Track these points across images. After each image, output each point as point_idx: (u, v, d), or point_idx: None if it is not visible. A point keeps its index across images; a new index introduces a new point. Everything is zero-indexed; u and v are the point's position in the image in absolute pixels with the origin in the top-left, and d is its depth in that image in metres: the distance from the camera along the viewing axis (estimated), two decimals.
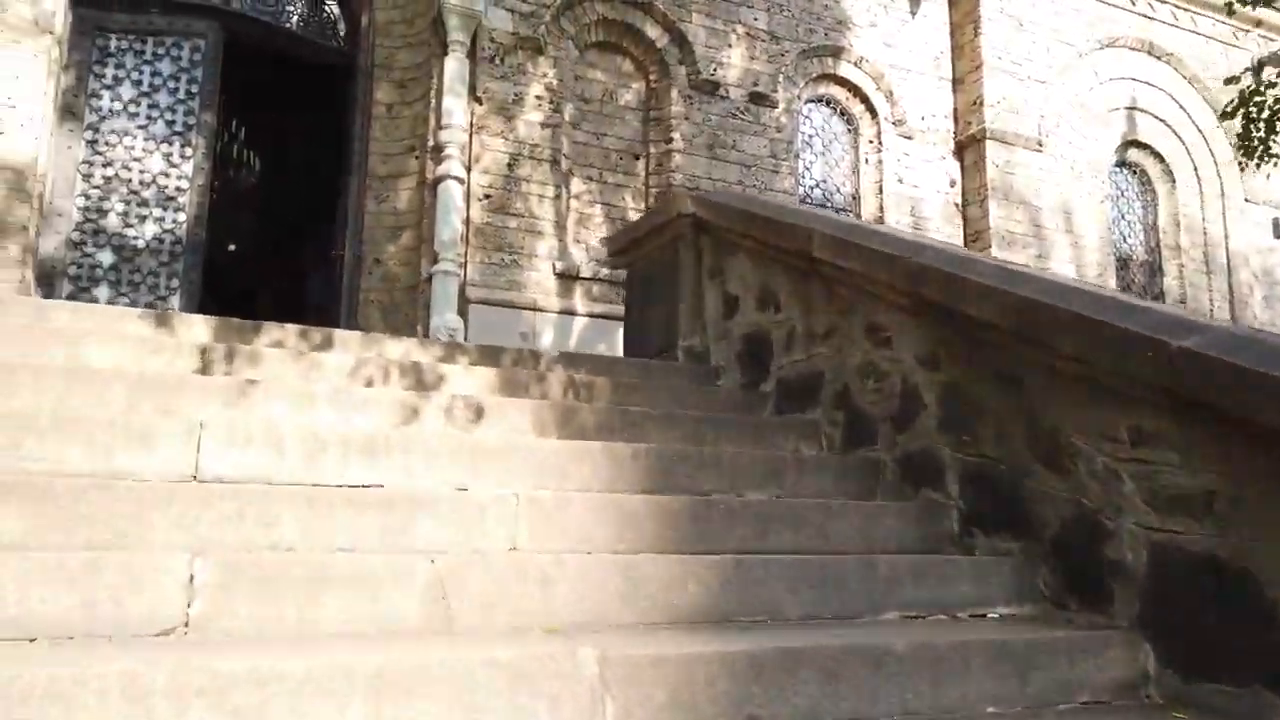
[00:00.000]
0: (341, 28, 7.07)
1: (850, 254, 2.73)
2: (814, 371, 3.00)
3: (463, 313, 6.22)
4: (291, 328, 2.82)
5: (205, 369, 2.37)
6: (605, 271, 6.74)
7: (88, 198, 6.09)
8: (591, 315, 6.76)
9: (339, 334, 2.91)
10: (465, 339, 6.13)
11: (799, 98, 7.99)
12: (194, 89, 6.28)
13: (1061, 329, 2.11)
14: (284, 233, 9.29)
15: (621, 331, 6.85)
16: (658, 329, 3.73)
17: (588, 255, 6.85)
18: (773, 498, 2.47)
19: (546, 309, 6.61)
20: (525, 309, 6.52)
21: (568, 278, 6.69)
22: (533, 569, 1.68)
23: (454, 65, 6.25)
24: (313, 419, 2.22)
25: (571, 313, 6.71)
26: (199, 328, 2.68)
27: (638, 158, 7.23)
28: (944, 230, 8.48)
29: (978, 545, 2.36)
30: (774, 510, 2.23)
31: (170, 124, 6.24)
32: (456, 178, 6.17)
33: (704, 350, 3.55)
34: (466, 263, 6.32)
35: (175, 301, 6.09)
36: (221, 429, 1.94)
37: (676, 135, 7.24)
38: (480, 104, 6.48)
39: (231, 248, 9.44)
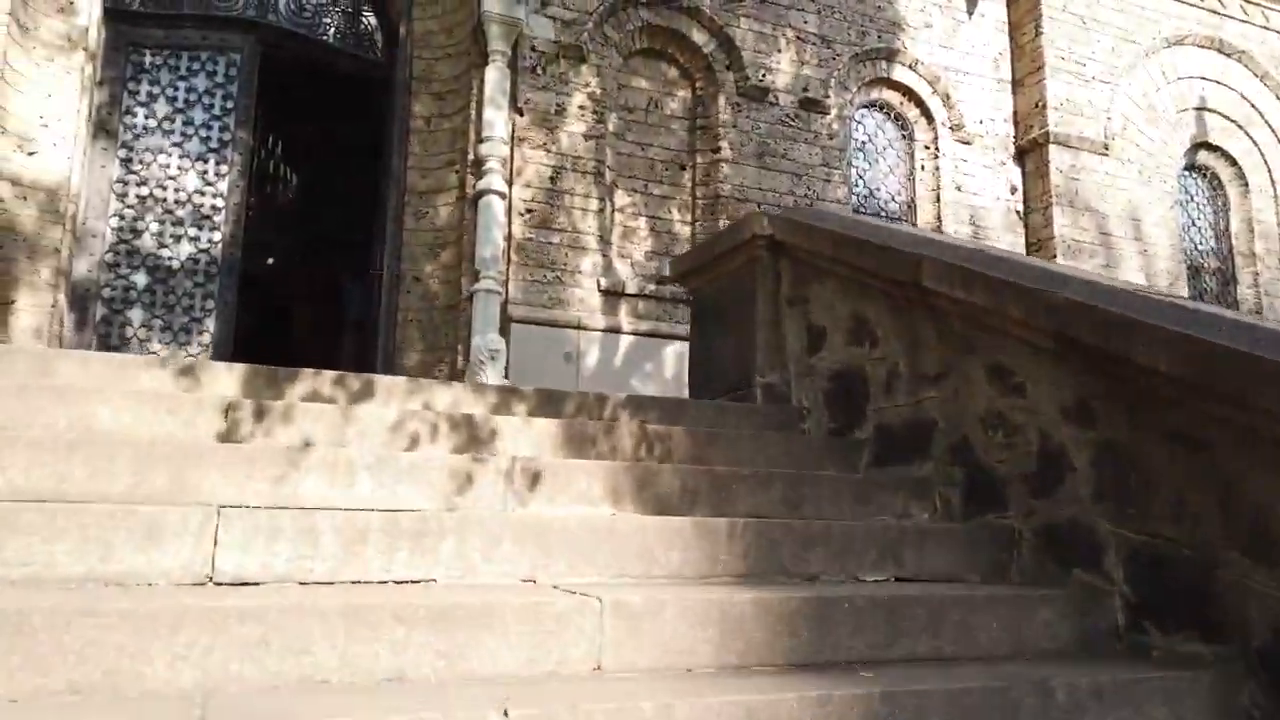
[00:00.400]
0: (379, 39, 6.82)
1: (973, 285, 2.33)
2: (923, 419, 2.59)
3: (504, 332, 5.91)
4: (327, 375, 2.50)
5: (230, 432, 2.05)
6: (651, 288, 6.41)
7: (122, 218, 5.90)
8: (637, 334, 6.43)
9: (380, 381, 2.58)
10: (507, 359, 5.83)
11: (851, 103, 7.59)
12: (229, 105, 6.06)
13: (1272, 385, 1.69)
14: (321, 245, 9.11)
15: (669, 351, 6.55)
16: (729, 363, 3.35)
17: (633, 271, 6.51)
18: (892, 580, 2.08)
19: (591, 327, 6.28)
20: (569, 328, 6.20)
21: (613, 294, 6.35)
22: (632, 717, 1.31)
23: (494, 76, 5.95)
24: (352, 495, 1.88)
25: (617, 330, 6.38)
26: (224, 380, 2.36)
27: (684, 168, 6.88)
28: (1005, 239, 8.04)
29: (1153, 644, 1.94)
30: (902, 603, 1.84)
31: (205, 140, 6.04)
32: (498, 192, 5.87)
33: (785, 389, 3.15)
34: (508, 280, 6.01)
35: (210, 324, 5.88)
36: (244, 517, 1.60)
37: (724, 144, 6.88)
38: (521, 115, 6.18)
39: (270, 261, 9.29)
